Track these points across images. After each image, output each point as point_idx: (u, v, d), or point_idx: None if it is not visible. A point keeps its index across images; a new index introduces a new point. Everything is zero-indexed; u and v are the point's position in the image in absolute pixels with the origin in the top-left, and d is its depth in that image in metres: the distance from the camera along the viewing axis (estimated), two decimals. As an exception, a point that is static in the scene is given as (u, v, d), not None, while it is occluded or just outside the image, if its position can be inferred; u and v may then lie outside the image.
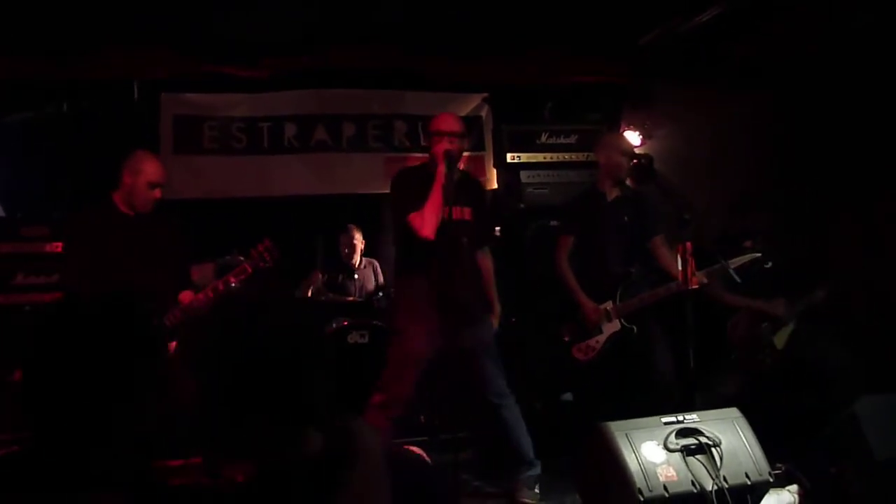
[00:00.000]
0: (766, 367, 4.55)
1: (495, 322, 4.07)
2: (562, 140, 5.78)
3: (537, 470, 3.96)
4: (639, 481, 2.99)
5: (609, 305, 4.33)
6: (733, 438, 3.21)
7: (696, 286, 3.93)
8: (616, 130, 5.67)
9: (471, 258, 3.97)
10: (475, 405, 3.99)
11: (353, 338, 5.27)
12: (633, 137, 5.80)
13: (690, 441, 3.15)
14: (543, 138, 5.76)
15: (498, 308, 4.11)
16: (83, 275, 3.69)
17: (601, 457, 3.15)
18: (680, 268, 3.90)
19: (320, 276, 5.82)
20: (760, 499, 3.17)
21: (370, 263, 6.12)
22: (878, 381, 3.95)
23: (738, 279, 4.06)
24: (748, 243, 4.71)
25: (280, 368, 1.30)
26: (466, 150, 4.34)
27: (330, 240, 6.02)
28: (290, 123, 6.03)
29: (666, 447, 3.12)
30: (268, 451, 1.29)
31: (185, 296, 3.82)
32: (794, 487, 3.56)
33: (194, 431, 1.36)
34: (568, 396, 5.03)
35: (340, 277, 5.94)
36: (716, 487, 3.03)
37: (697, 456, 3.12)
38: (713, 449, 3.13)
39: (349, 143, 6.13)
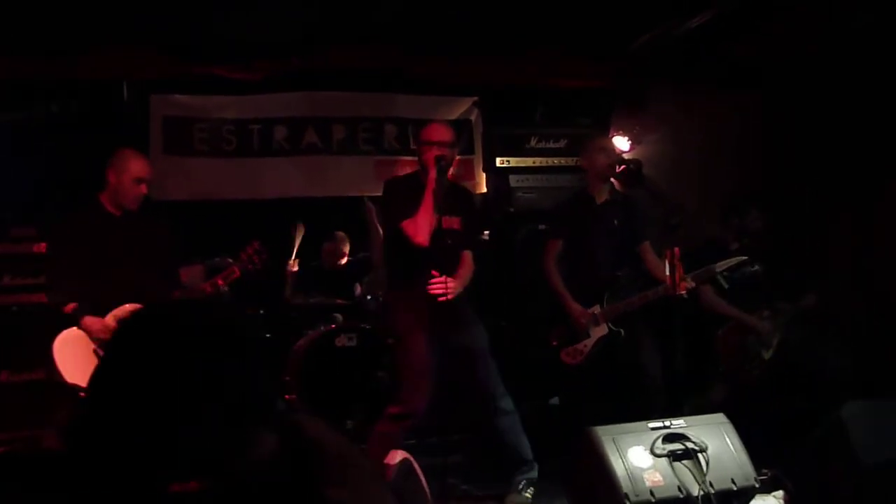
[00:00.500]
0: (753, 379, 4.58)
1: None
2: (551, 144, 5.78)
3: (534, 472, 3.96)
4: (625, 486, 3.00)
5: (597, 309, 4.33)
6: (720, 444, 3.23)
7: (684, 291, 3.95)
8: (601, 134, 5.68)
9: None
10: (473, 406, 3.99)
11: (342, 341, 5.26)
12: (622, 142, 5.82)
13: (677, 446, 3.16)
14: (533, 142, 5.76)
15: None
16: (71, 276, 3.68)
17: (589, 461, 3.17)
18: (668, 273, 3.91)
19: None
20: (747, 504, 3.19)
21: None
22: (874, 383, 3.98)
23: (724, 284, 4.07)
24: (735, 246, 4.74)
25: (208, 370, 1.23)
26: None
27: (310, 234, 5.92)
28: (281, 126, 6.03)
29: (653, 452, 3.13)
30: (219, 458, 1.22)
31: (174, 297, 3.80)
32: (780, 493, 3.57)
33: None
34: (556, 400, 5.04)
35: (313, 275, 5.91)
36: (702, 493, 3.05)
37: (684, 461, 3.14)
38: (699, 454, 3.15)
39: (339, 145, 6.13)
